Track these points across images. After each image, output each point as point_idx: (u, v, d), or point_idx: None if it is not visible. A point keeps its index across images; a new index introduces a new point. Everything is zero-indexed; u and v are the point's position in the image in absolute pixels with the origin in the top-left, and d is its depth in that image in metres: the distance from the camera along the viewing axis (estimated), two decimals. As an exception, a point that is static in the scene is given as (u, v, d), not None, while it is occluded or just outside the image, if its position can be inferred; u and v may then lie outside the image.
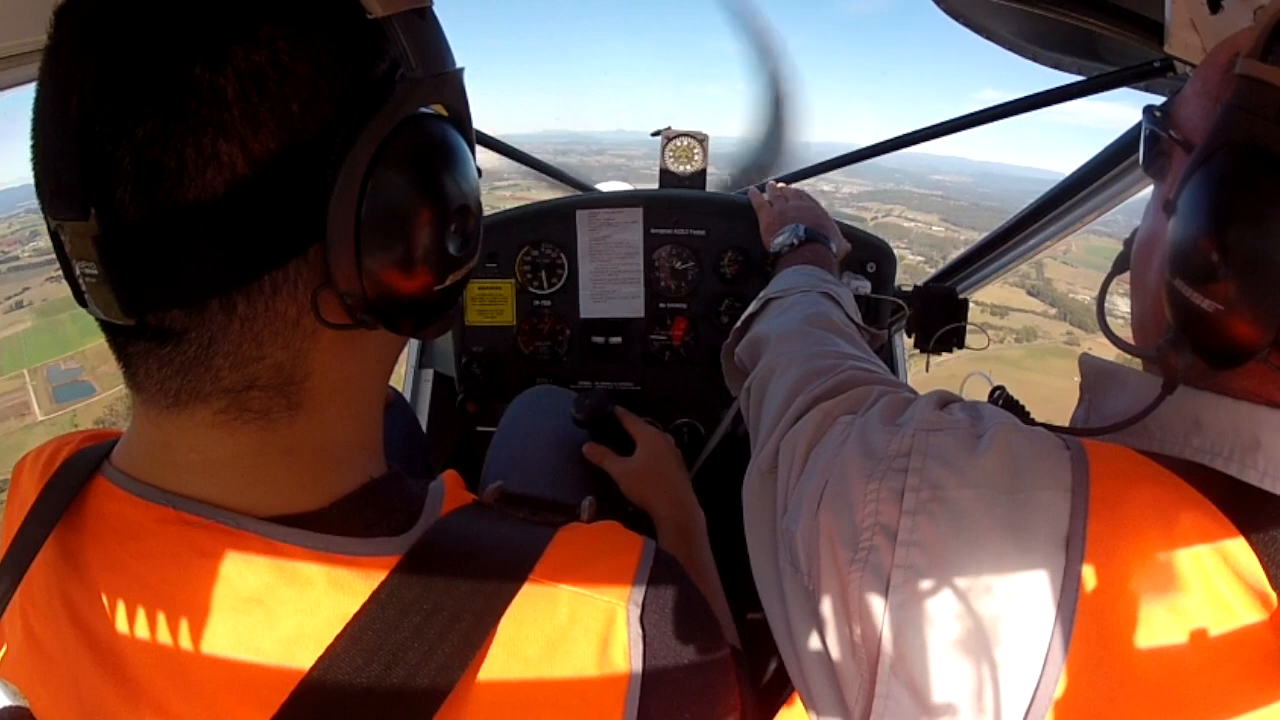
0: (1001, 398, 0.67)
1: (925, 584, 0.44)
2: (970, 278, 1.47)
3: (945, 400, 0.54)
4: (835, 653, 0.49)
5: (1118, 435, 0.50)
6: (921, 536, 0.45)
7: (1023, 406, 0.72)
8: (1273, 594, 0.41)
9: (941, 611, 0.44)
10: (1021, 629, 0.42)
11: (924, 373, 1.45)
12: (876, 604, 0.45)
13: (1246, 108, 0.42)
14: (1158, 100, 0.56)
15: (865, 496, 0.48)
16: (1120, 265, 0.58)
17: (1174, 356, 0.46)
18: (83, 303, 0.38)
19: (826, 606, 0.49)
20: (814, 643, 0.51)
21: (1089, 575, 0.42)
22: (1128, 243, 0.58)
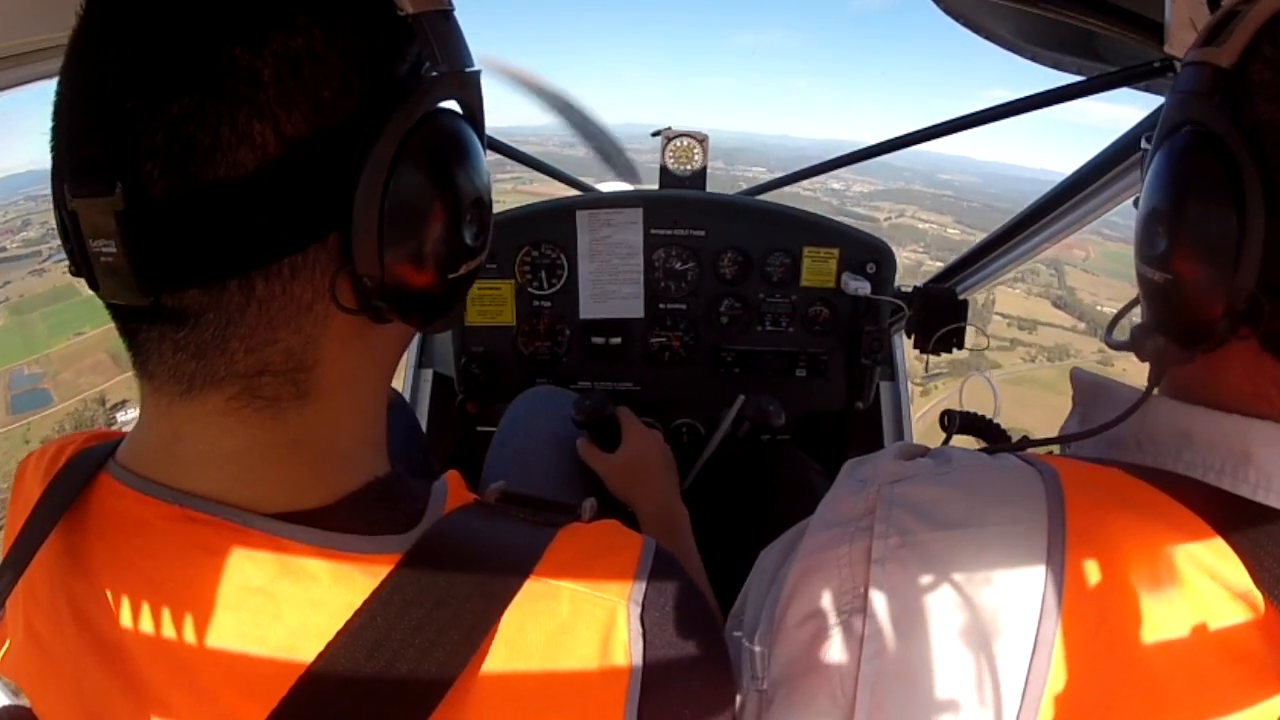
0: (957, 420, 0.66)
1: (900, 633, 0.44)
2: (971, 278, 1.46)
3: (910, 452, 0.53)
4: None
5: (1111, 451, 0.50)
6: (892, 585, 0.44)
7: (992, 423, 0.71)
8: (1259, 596, 0.40)
9: (917, 661, 0.43)
10: (1001, 672, 0.42)
11: (922, 372, 1.45)
12: (854, 662, 0.45)
13: (1186, 90, 0.44)
14: (1159, 100, 0.56)
15: (837, 562, 0.47)
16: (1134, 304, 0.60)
17: (1145, 342, 0.48)
18: (95, 286, 0.38)
19: (796, 688, 0.48)
20: None
21: (1069, 608, 0.41)
22: None
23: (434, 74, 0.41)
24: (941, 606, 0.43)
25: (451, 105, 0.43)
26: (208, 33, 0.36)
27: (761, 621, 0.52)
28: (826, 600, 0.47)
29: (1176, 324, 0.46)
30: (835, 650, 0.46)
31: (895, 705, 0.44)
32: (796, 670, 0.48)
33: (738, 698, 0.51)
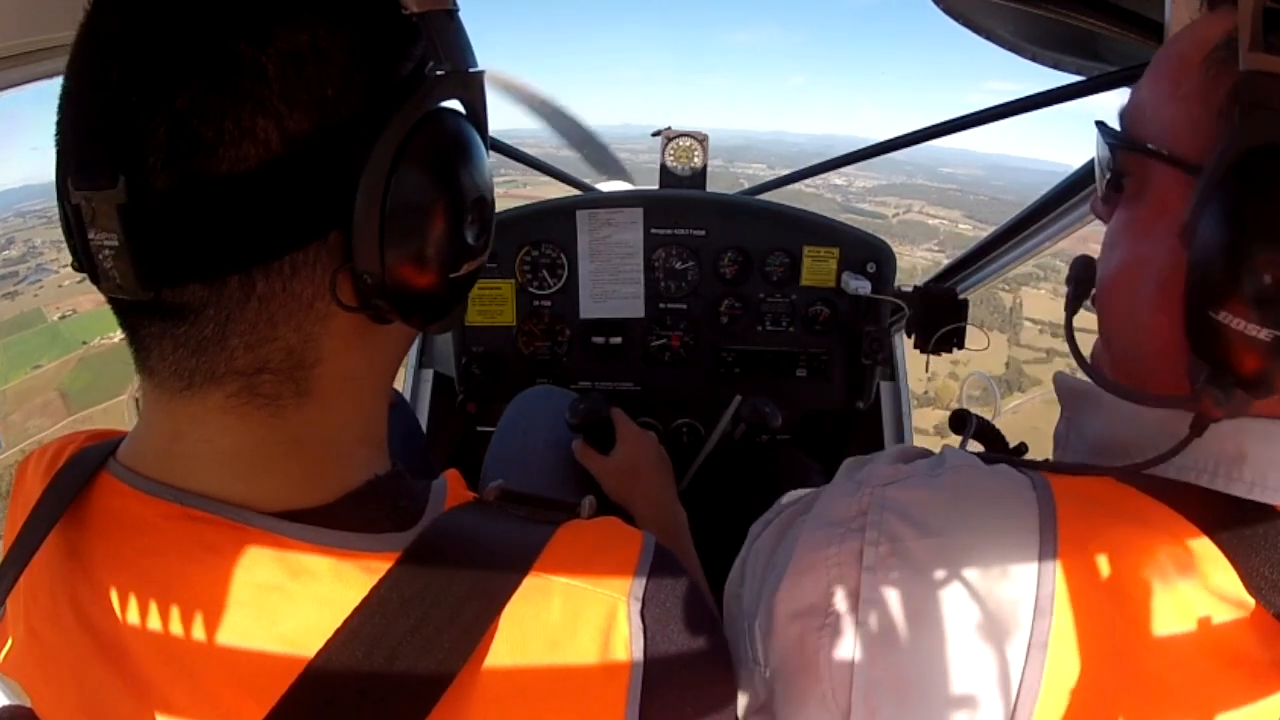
0: (973, 423, 0.65)
1: (890, 641, 0.44)
2: (970, 278, 1.46)
3: (909, 455, 0.53)
4: None
5: (1095, 457, 0.49)
6: (883, 593, 0.44)
7: (1000, 434, 0.71)
8: (1250, 600, 0.40)
9: (910, 669, 0.43)
10: (994, 682, 0.42)
11: (923, 373, 1.45)
12: (844, 667, 0.45)
13: (1268, 107, 0.38)
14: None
15: (826, 563, 0.47)
16: (1076, 302, 0.55)
17: (1213, 396, 0.41)
18: (96, 280, 0.38)
19: (792, 684, 0.48)
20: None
21: (1060, 616, 0.41)
22: (1073, 280, 0.54)
23: (437, 73, 0.41)
24: (933, 616, 0.43)
25: (455, 105, 0.43)
26: (213, 28, 0.36)
27: (760, 612, 0.52)
28: (817, 600, 0.47)
29: (1273, 380, 0.39)
30: (825, 651, 0.46)
31: (889, 713, 0.44)
32: (790, 666, 0.48)
33: (742, 677, 0.51)
